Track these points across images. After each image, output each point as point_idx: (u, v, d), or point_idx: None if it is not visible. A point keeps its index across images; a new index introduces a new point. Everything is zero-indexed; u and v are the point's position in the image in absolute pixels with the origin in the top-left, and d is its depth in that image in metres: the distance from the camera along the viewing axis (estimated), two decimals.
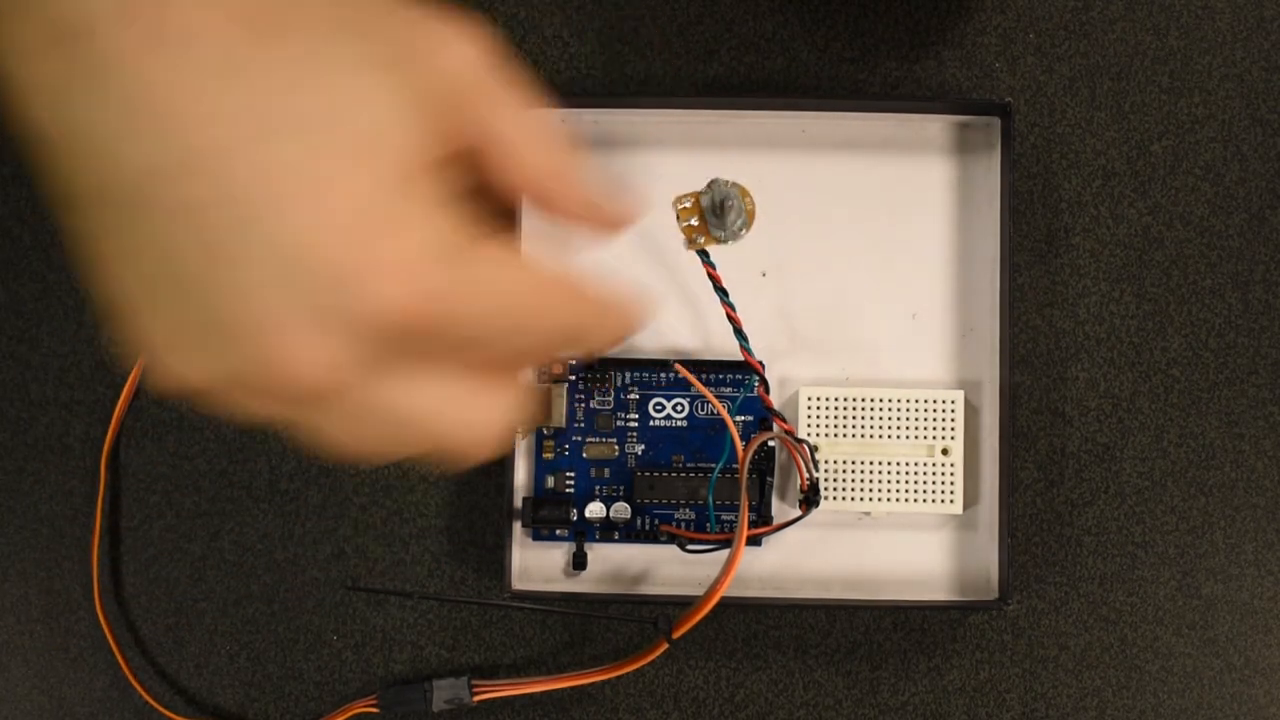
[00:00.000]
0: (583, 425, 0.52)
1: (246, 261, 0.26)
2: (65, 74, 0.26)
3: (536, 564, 0.52)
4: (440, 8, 0.29)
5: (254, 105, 0.26)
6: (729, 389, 0.52)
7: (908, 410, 0.51)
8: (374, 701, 0.52)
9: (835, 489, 0.51)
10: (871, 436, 0.51)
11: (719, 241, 0.48)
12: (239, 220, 0.26)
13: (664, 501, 0.51)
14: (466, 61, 0.29)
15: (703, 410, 0.52)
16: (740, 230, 0.48)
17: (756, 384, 0.51)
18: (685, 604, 0.47)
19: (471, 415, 0.29)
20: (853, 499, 0.51)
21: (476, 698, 0.51)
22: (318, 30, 0.27)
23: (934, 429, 0.51)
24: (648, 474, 0.51)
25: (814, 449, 0.51)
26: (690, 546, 0.51)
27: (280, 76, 0.26)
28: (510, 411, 0.30)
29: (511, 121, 0.30)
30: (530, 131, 0.30)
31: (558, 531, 0.52)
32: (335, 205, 0.26)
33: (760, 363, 0.51)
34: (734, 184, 0.48)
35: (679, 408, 0.52)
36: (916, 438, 0.51)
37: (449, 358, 0.29)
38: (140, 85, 0.25)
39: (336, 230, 0.26)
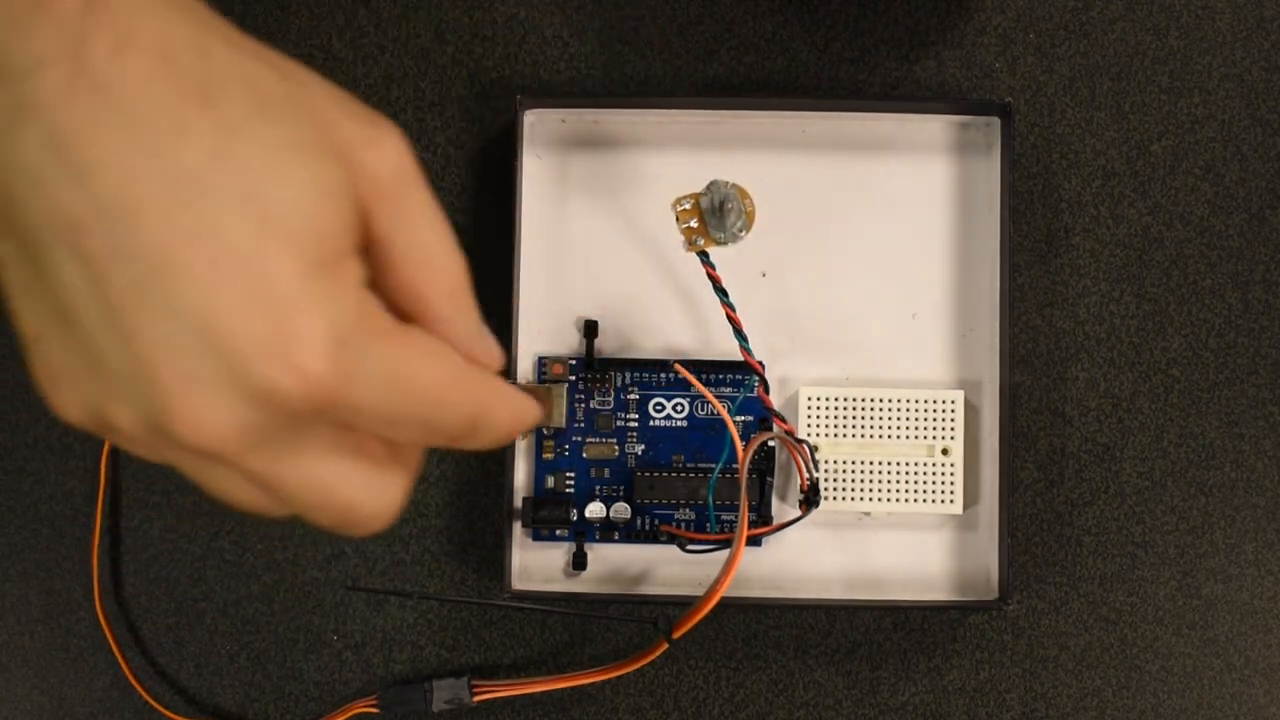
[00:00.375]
0: (583, 425, 0.52)
1: (147, 319, 0.26)
2: None
3: (536, 564, 0.52)
4: (360, 102, 0.30)
5: (176, 168, 0.26)
6: (729, 389, 0.52)
7: (908, 410, 0.51)
8: (374, 701, 0.52)
9: (835, 489, 0.51)
10: (871, 436, 0.51)
11: (719, 243, 0.48)
12: (141, 278, 0.26)
13: (664, 501, 0.52)
14: (389, 162, 0.29)
15: (703, 410, 0.52)
16: (740, 232, 0.48)
17: (756, 384, 0.51)
18: (685, 604, 0.47)
19: (362, 494, 0.29)
20: (853, 499, 0.51)
21: (476, 698, 0.51)
22: (249, 103, 0.27)
23: (934, 429, 0.51)
24: (648, 474, 0.51)
25: (814, 449, 0.51)
26: (690, 546, 0.51)
27: (207, 144, 0.26)
28: (402, 493, 0.30)
29: (425, 232, 0.30)
30: (440, 248, 0.30)
31: (558, 531, 0.52)
32: (247, 279, 0.26)
33: (760, 363, 0.51)
34: (733, 185, 0.48)
35: (679, 408, 0.52)
36: (916, 438, 0.51)
37: (345, 436, 0.29)
38: (63, 132, 0.25)
39: (246, 303, 0.26)
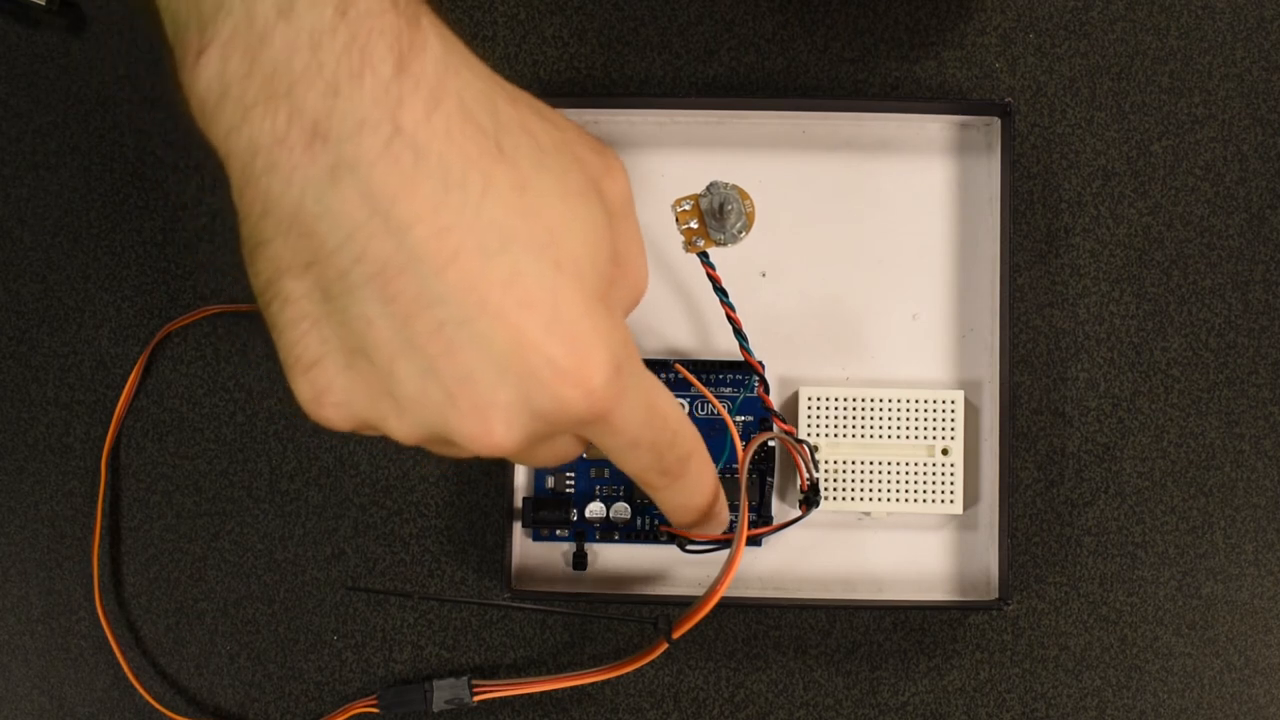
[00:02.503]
0: None
1: (453, 352, 0.29)
2: (312, 167, 0.28)
3: (536, 564, 0.52)
4: (591, 137, 0.34)
5: (484, 222, 0.29)
6: (729, 389, 0.52)
7: (908, 410, 0.51)
8: (374, 701, 0.52)
9: (835, 489, 0.51)
10: (871, 436, 0.51)
11: (718, 244, 0.48)
12: (449, 318, 0.29)
13: None
14: (621, 190, 0.33)
15: (703, 410, 0.52)
16: (740, 233, 0.48)
17: (756, 384, 0.51)
18: (685, 604, 0.47)
19: (565, 459, 0.35)
20: (853, 499, 0.51)
21: (476, 698, 0.51)
22: (531, 152, 0.31)
23: (934, 429, 0.51)
24: None
25: (814, 449, 0.51)
26: (690, 546, 0.51)
27: (504, 199, 0.30)
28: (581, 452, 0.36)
29: (636, 246, 0.34)
30: (643, 260, 0.35)
31: (558, 531, 0.52)
32: (548, 315, 0.30)
33: (760, 363, 0.51)
34: (733, 186, 0.48)
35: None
36: (916, 438, 0.51)
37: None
38: (380, 190, 0.28)
39: (547, 336, 0.30)
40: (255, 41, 0.28)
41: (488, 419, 0.30)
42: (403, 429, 0.31)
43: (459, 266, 0.29)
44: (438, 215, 0.29)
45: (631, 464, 0.35)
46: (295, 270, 0.29)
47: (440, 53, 0.29)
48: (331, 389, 0.31)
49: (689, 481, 0.37)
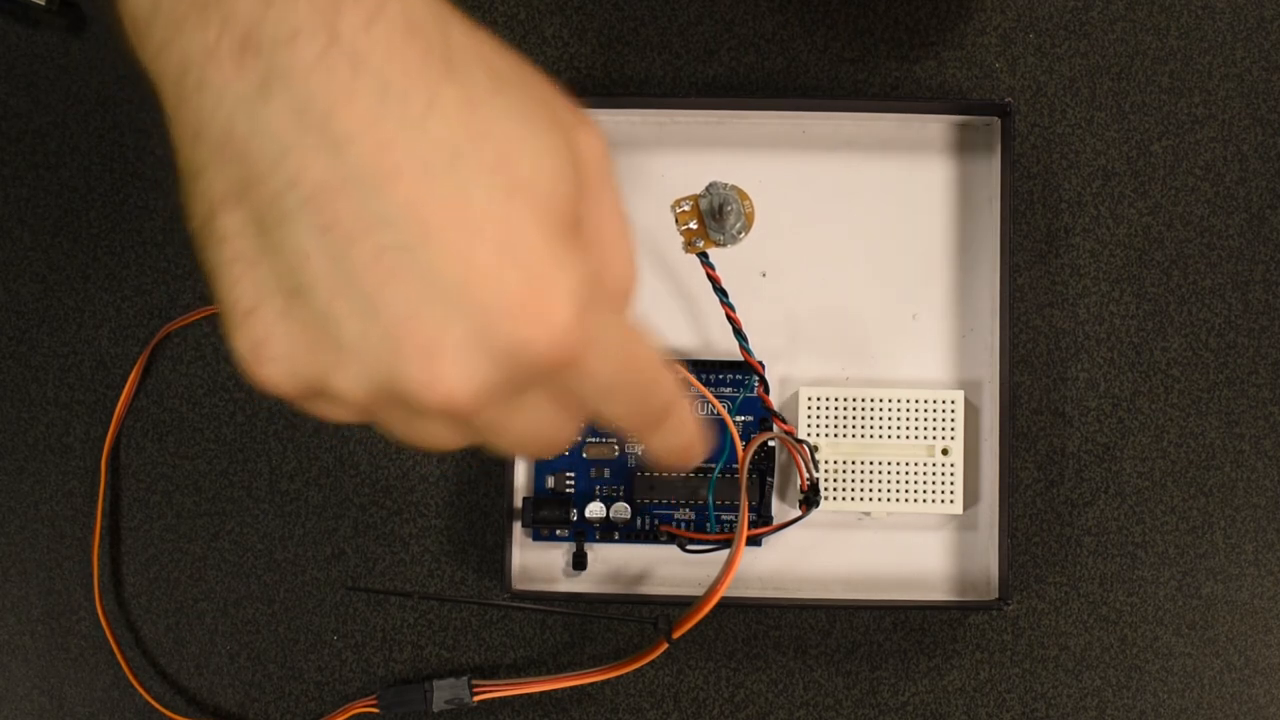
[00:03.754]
0: (583, 425, 0.52)
1: (395, 285, 0.26)
2: (242, 81, 0.26)
3: (536, 564, 0.52)
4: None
5: (428, 138, 0.26)
6: (729, 389, 0.52)
7: (908, 410, 0.51)
8: (374, 701, 0.52)
9: (835, 489, 0.51)
10: (871, 436, 0.51)
11: (718, 245, 0.48)
12: (390, 245, 0.26)
13: (664, 501, 0.52)
14: (597, 146, 0.30)
15: (703, 410, 0.52)
16: (739, 234, 0.48)
17: (756, 384, 0.51)
18: (685, 604, 0.47)
19: (552, 437, 0.31)
20: (853, 499, 0.51)
21: (476, 698, 0.51)
22: (486, 76, 0.28)
23: (934, 429, 0.51)
24: (648, 474, 0.51)
25: (814, 449, 0.51)
26: (690, 546, 0.51)
27: (455, 114, 0.27)
28: (574, 436, 0.32)
29: (614, 222, 0.31)
30: (625, 244, 0.31)
31: (558, 531, 0.52)
32: (499, 241, 0.27)
33: (760, 363, 0.51)
34: (733, 187, 0.48)
35: None
36: (916, 438, 0.51)
37: (559, 393, 0.30)
38: (315, 102, 0.26)
39: (499, 265, 0.27)
40: None
41: (436, 361, 0.27)
42: (347, 383, 0.27)
43: (401, 185, 0.26)
44: (378, 130, 0.26)
45: (608, 411, 0.31)
46: (230, 202, 0.27)
47: None
48: (270, 339, 0.28)
49: (670, 427, 0.33)
